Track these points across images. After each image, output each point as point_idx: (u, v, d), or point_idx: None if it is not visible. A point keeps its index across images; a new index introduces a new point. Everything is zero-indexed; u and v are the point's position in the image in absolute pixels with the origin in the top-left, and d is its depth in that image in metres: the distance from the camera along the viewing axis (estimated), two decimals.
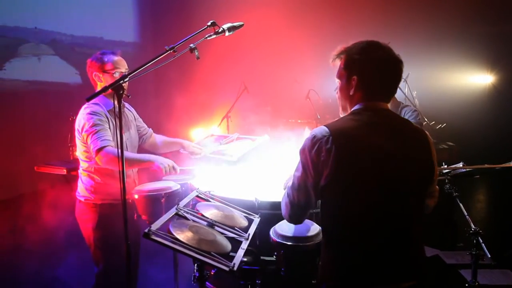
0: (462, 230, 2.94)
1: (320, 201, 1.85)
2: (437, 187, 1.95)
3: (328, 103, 6.60)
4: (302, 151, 1.79)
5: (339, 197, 1.73)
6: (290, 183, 1.91)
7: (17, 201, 5.27)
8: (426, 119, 5.71)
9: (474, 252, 2.83)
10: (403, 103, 3.72)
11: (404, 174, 1.73)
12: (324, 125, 1.77)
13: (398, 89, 4.42)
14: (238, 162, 3.19)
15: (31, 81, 6.22)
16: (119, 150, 2.08)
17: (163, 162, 2.82)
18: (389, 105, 3.37)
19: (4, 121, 5.27)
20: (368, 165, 1.68)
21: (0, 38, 5.80)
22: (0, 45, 5.83)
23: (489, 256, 2.74)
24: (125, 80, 2.18)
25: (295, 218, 1.98)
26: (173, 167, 2.84)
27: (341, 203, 1.73)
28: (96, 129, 2.79)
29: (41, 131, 5.41)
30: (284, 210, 1.98)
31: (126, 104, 3.24)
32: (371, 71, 1.80)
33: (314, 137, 1.74)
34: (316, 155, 1.71)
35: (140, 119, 3.37)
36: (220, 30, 2.43)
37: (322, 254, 1.86)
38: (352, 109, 1.83)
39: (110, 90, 2.14)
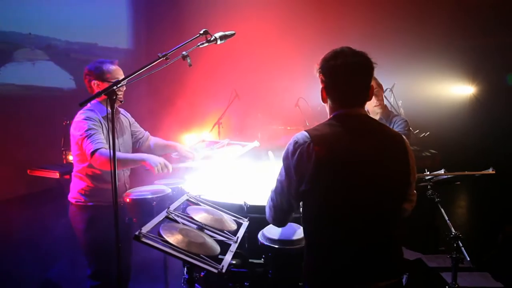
0: (443, 235, 2.96)
1: (303, 204, 1.85)
2: (414, 191, 1.95)
3: (317, 110, 6.61)
4: (285, 157, 1.80)
5: (319, 200, 1.74)
6: (273, 187, 1.92)
7: (9, 204, 5.20)
8: (411, 128, 5.77)
9: (454, 256, 2.86)
10: (393, 113, 3.73)
11: (382, 177, 1.74)
12: (305, 131, 1.79)
13: (384, 97, 4.45)
14: (228, 166, 3.20)
15: (25, 85, 6.16)
16: (111, 152, 2.07)
17: (155, 161, 2.80)
18: (380, 114, 3.44)
19: None
20: (346, 169, 1.70)
21: None
22: None
23: (468, 259, 2.77)
24: (117, 86, 2.17)
25: (278, 221, 2.00)
26: (165, 165, 2.82)
27: (320, 207, 1.75)
28: (90, 133, 2.79)
29: (34, 135, 5.36)
30: (268, 213, 2.00)
31: (122, 110, 3.23)
32: (328, 81, 1.82)
33: (296, 142, 1.76)
34: (298, 160, 1.73)
35: (136, 124, 3.38)
36: (212, 39, 2.43)
37: (305, 255, 1.88)
38: (331, 115, 1.85)
39: (104, 96, 2.14)
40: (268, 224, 2.34)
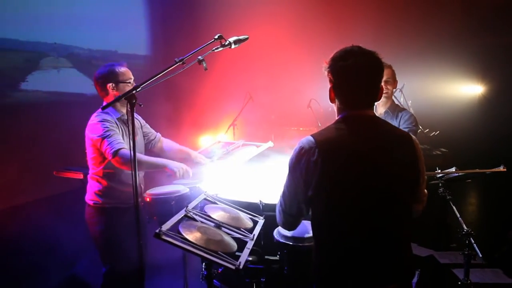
0: (455, 232, 2.90)
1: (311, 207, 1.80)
2: (425, 191, 1.89)
3: (328, 111, 6.56)
4: (291, 163, 1.75)
5: (326, 205, 1.69)
6: (281, 192, 1.86)
7: (37, 204, 5.28)
8: (420, 127, 5.69)
9: (466, 252, 2.80)
10: (400, 107, 3.49)
11: (389, 179, 1.68)
12: (311, 135, 1.73)
13: (394, 98, 4.40)
14: (244, 167, 3.19)
15: (51, 92, 6.25)
16: (132, 153, 2.08)
17: (177, 166, 2.80)
18: (386, 108, 3.32)
19: (26, 128, 5.30)
20: (352, 172, 1.64)
21: (23, 52, 5.85)
22: (23, 59, 5.89)
23: (481, 255, 2.71)
24: (137, 90, 2.18)
25: (288, 225, 1.95)
26: (186, 170, 2.82)
27: (328, 211, 1.69)
28: (109, 134, 2.78)
29: (59, 138, 5.43)
30: (278, 217, 1.95)
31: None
32: (337, 81, 1.75)
33: (302, 148, 1.70)
34: (304, 166, 1.68)
35: (147, 125, 3.34)
36: (226, 43, 2.43)
37: (313, 257, 1.82)
38: (337, 118, 1.79)
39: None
40: None
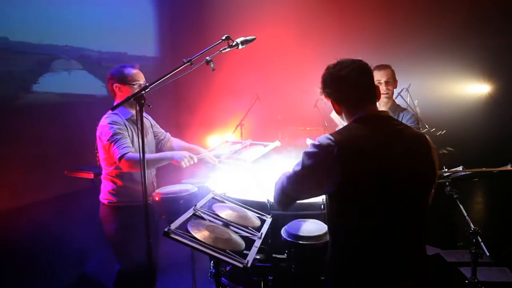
0: (462, 230, 2.88)
1: (327, 204, 1.82)
2: (432, 191, 1.88)
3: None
4: (307, 158, 1.73)
5: (347, 202, 1.69)
6: (288, 173, 1.86)
7: (49, 203, 5.31)
8: (427, 126, 5.64)
9: (473, 251, 2.77)
10: (401, 107, 3.48)
11: (409, 177, 1.68)
12: (328, 134, 1.73)
13: (400, 97, 4.32)
14: (251, 166, 3.18)
15: (62, 93, 6.28)
16: (141, 154, 2.08)
17: (180, 155, 2.81)
18: (387, 108, 3.32)
19: (38, 130, 5.33)
20: (371, 169, 1.64)
21: (36, 55, 5.89)
22: (35, 61, 5.93)
23: (488, 254, 2.68)
24: (146, 90, 2.18)
25: (283, 205, 1.97)
26: (190, 157, 2.83)
27: (348, 207, 1.69)
28: (117, 138, 2.80)
29: (70, 138, 5.46)
30: (275, 194, 1.96)
31: (143, 113, 3.24)
32: (339, 86, 1.82)
33: (320, 145, 1.70)
34: (321, 164, 1.68)
35: (157, 125, 3.37)
36: (233, 44, 2.43)
37: (329, 254, 1.83)
38: (354, 117, 1.79)
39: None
40: (290, 220, 2.32)
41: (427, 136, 1.83)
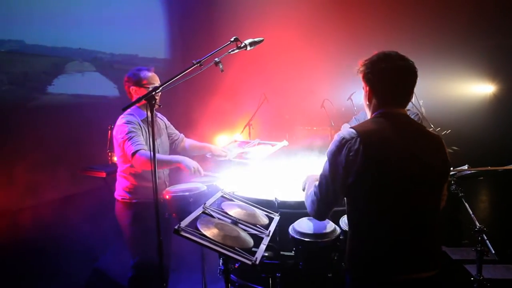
0: (467, 228, 2.85)
1: (349, 195, 1.80)
2: (446, 191, 1.90)
3: (341, 111, 6.53)
4: (331, 153, 1.76)
5: (366, 192, 1.70)
6: (317, 183, 1.87)
7: (62, 202, 5.35)
8: (432, 126, 5.60)
9: (479, 248, 2.74)
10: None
11: (425, 172, 1.70)
12: (351, 127, 1.75)
13: None
14: (259, 165, 3.18)
15: (75, 95, 6.33)
16: (152, 154, 2.09)
17: (190, 163, 2.85)
18: None
19: (52, 130, 5.37)
20: (393, 163, 1.66)
21: (50, 57, 5.93)
22: (50, 64, 5.98)
23: (493, 252, 2.65)
24: (156, 91, 2.19)
25: (320, 214, 1.93)
26: (198, 170, 2.87)
27: (368, 198, 1.70)
28: (130, 136, 2.85)
29: (83, 138, 5.50)
30: (310, 207, 1.94)
31: (158, 114, 3.28)
32: (378, 82, 1.80)
33: (343, 138, 1.73)
34: (346, 156, 1.69)
35: (172, 126, 3.41)
36: (242, 45, 2.42)
37: (348, 247, 1.82)
38: (374, 114, 1.82)
39: (143, 101, 2.16)
40: (298, 218, 2.32)
41: (440, 136, 1.86)
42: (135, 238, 3.01)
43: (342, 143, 1.72)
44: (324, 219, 2.03)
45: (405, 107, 1.84)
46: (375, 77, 1.80)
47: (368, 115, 1.89)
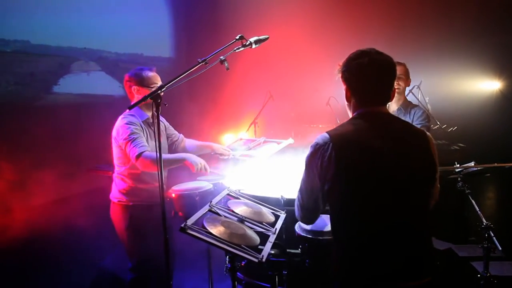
0: (474, 225, 2.83)
1: (329, 202, 1.77)
2: (438, 186, 1.83)
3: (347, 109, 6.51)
4: (307, 159, 1.73)
5: (341, 198, 1.66)
6: (298, 188, 1.84)
7: (69, 200, 5.38)
8: (438, 122, 5.57)
9: (486, 245, 2.73)
10: (412, 103, 3.39)
11: (403, 173, 1.63)
12: (326, 132, 1.71)
13: (412, 94, 4.24)
14: (265, 163, 3.18)
15: (81, 94, 6.36)
16: (158, 153, 2.09)
17: (196, 160, 2.80)
18: (398, 105, 3.27)
19: (58, 129, 5.40)
20: (367, 166, 1.61)
21: (56, 57, 5.96)
22: (55, 63, 6.01)
23: (500, 249, 2.64)
24: (162, 90, 2.19)
25: (306, 219, 1.92)
26: (204, 167, 2.81)
27: (343, 205, 1.67)
28: (133, 137, 2.79)
29: (90, 137, 5.52)
30: (296, 212, 1.93)
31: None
32: (354, 79, 1.75)
33: (317, 144, 1.70)
34: (319, 162, 1.66)
35: (171, 127, 3.34)
36: (247, 43, 2.41)
37: (332, 254, 1.78)
38: (354, 114, 1.78)
39: (148, 100, 2.16)
40: None
41: (428, 133, 1.78)
42: (132, 241, 2.96)
43: (316, 149, 1.69)
44: (311, 224, 2.00)
45: (386, 104, 1.77)
46: (352, 75, 1.75)
47: (350, 116, 1.83)
